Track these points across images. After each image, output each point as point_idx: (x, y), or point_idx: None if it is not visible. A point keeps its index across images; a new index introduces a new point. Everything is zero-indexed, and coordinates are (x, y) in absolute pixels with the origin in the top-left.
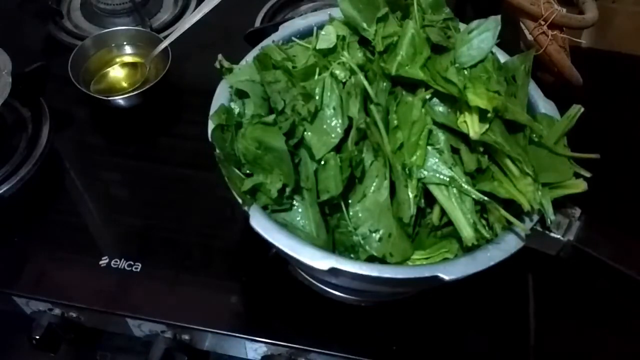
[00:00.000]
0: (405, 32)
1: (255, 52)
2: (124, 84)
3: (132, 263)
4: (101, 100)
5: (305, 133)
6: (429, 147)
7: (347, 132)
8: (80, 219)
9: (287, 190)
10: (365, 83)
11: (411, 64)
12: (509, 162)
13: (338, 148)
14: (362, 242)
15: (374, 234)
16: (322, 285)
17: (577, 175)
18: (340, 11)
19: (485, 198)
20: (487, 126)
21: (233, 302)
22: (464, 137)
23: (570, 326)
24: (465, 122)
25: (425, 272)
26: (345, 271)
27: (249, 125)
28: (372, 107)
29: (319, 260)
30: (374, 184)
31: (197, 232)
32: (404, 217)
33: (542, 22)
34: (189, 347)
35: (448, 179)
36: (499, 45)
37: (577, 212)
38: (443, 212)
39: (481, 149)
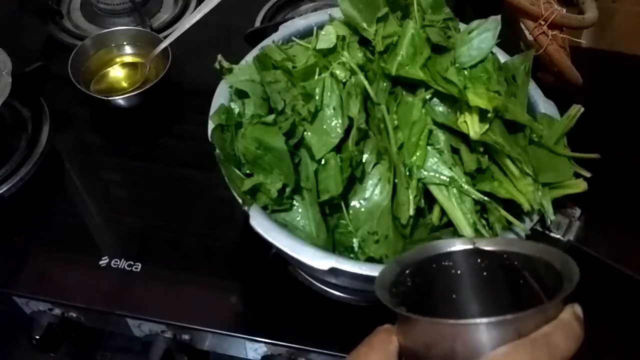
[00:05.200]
0: (405, 32)
1: (255, 52)
2: (124, 84)
3: (132, 263)
4: (101, 100)
5: (305, 133)
6: (429, 147)
7: (347, 132)
8: (80, 219)
9: (287, 190)
10: (366, 83)
11: (411, 64)
12: (509, 162)
13: (338, 148)
14: (361, 243)
15: (372, 236)
16: (322, 285)
17: (577, 175)
18: (340, 11)
19: (485, 198)
20: (487, 126)
21: (233, 302)
22: (464, 137)
23: None
24: (465, 122)
25: None
26: (345, 271)
27: (249, 125)
28: (376, 109)
29: (319, 260)
30: (378, 186)
31: (197, 232)
32: (401, 218)
33: (542, 22)
34: (189, 347)
35: (448, 179)
36: (499, 45)
37: (577, 212)
38: (443, 212)
39: (481, 149)
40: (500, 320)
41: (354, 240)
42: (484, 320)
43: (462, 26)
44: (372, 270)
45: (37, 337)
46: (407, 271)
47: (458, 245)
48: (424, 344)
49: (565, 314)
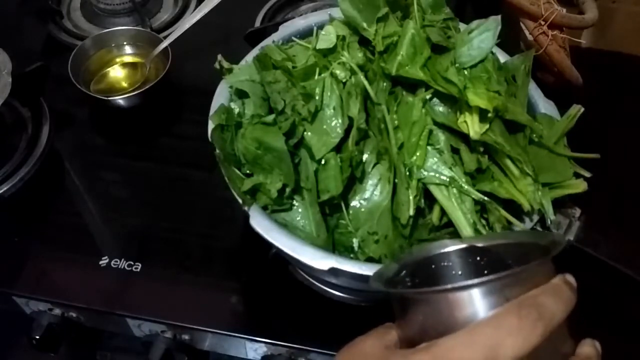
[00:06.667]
0: (405, 32)
1: (255, 52)
2: (124, 84)
3: (132, 263)
4: (101, 100)
5: (305, 133)
6: (429, 147)
7: (347, 132)
8: (80, 219)
9: (287, 190)
10: (366, 83)
11: (411, 64)
12: (509, 162)
13: (338, 148)
14: (360, 244)
15: (371, 236)
16: (322, 285)
17: (577, 175)
18: (340, 11)
19: (485, 198)
20: (487, 126)
21: (233, 302)
22: (464, 137)
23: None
24: (465, 122)
25: None
26: (345, 271)
27: (249, 125)
28: (376, 109)
29: (319, 260)
30: (378, 186)
31: (197, 232)
32: (401, 219)
33: (542, 22)
34: (189, 347)
35: (448, 179)
36: (499, 45)
37: (577, 212)
38: (443, 212)
39: (481, 149)
40: (487, 281)
41: (354, 240)
42: (468, 282)
43: (462, 26)
44: (372, 270)
45: (37, 337)
46: (405, 270)
47: (453, 245)
48: (420, 328)
49: (555, 279)
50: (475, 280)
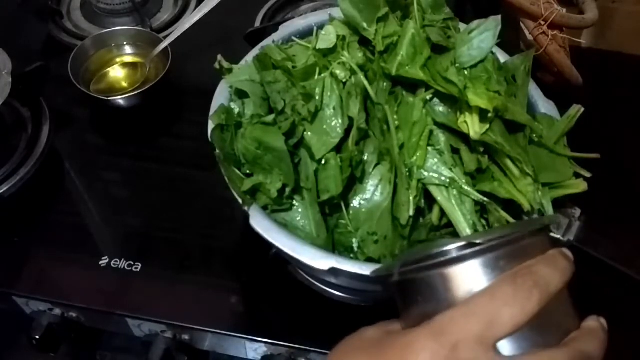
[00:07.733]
0: (405, 32)
1: (255, 52)
2: (124, 84)
3: (132, 263)
4: (101, 100)
5: (305, 133)
6: (430, 148)
7: (347, 132)
8: (80, 219)
9: (287, 190)
10: (366, 83)
11: (411, 64)
12: (509, 162)
13: (338, 148)
14: (360, 244)
15: (371, 237)
16: (322, 285)
17: (577, 175)
18: (340, 11)
19: (485, 199)
20: (487, 126)
21: (233, 302)
22: (464, 138)
23: None
24: (465, 122)
25: None
26: (345, 271)
27: (248, 125)
28: (376, 109)
29: (319, 260)
30: (379, 187)
31: (197, 232)
32: (401, 219)
33: (542, 22)
34: (189, 347)
35: (448, 180)
36: (499, 45)
37: (577, 212)
38: (443, 213)
39: (481, 149)
40: (480, 250)
41: (354, 240)
42: (463, 253)
43: (462, 26)
44: (371, 271)
45: (37, 337)
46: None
47: (453, 244)
48: (421, 314)
49: (551, 251)
50: (469, 250)
